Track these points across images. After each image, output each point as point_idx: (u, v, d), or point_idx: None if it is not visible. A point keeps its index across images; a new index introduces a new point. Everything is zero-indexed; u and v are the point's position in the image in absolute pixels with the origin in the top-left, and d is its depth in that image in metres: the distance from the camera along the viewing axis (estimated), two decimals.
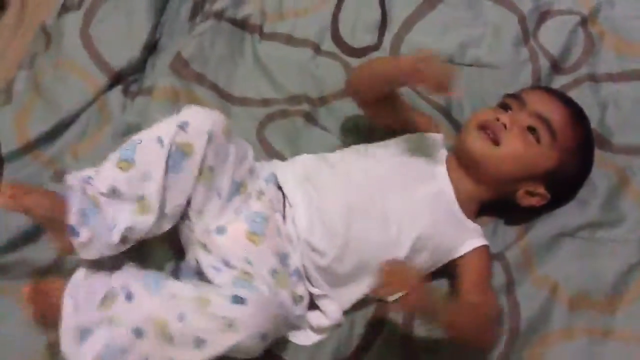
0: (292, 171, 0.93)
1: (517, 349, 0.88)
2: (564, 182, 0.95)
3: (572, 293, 0.92)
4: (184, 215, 0.86)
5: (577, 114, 0.96)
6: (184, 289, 0.79)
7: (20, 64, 1.09)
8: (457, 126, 1.05)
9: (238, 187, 0.88)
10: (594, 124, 1.02)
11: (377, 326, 0.90)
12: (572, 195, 0.98)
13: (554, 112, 0.92)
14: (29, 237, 0.92)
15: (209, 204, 0.86)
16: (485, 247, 0.91)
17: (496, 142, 0.90)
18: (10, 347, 0.86)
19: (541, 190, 0.93)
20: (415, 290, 0.74)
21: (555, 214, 0.97)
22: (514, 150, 0.90)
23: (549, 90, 1.01)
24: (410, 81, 0.87)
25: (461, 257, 0.90)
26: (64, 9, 1.11)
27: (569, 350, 0.88)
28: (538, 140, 0.90)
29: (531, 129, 0.91)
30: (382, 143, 0.97)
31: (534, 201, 0.93)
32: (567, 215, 0.97)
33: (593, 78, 1.09)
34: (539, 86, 1.06)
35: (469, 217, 0.93)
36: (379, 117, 0.98)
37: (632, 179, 1.00)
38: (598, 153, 1.01)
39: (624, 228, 0.97)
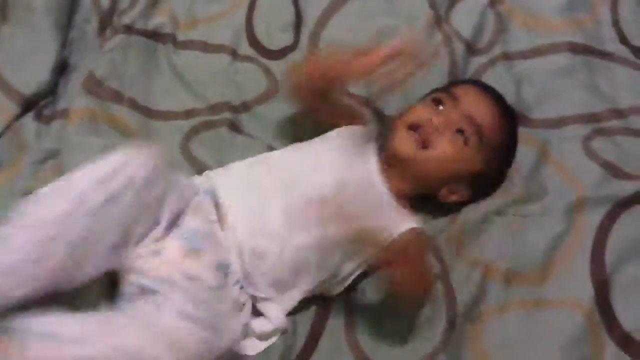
0: (228, 179, 0.92)
1: (457, 329, 0.91)
2: (487, 180, 0.98)
3: (505, 270, 0.94)
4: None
5: (506, 115, 0.98)
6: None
7: None
8: (381, 117, 1.06)
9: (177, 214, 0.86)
10: (511, 101, 1.05)
11: (321, 324, 0.91)
12: (495, 188, 1.00)
13: (485, 114, 0.93)
14: None
15: (148, 234, 0.83)
16: (415, 229, 0.92)
17: (425, 146, 0.91)
18: None
19: (462, 189, 0.95)
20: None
21: None
22: (442, 154, 0.91)
23: (480, 87, 1.01)
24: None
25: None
26: None
27: (506, 323, 0.91)
28: (465, 143, 0.92)
29: (460, 131, 0.92)
30: (314, 140, 0.97)
31: (454, 197, 0.96)
32: (494, 195, 1.00)
33: (507, 56, 1.12)
34: (471, 80, 1.07)
35: (402, 207, 0.94)
36: (314, 112, 0.98)
37: (551, 150, 1.04)
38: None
39: (548, 199, 1.00)
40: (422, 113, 0.93)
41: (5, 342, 0.72)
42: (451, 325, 0.91)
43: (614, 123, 1.06)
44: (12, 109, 1.00)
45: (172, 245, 0.84)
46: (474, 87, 1.00)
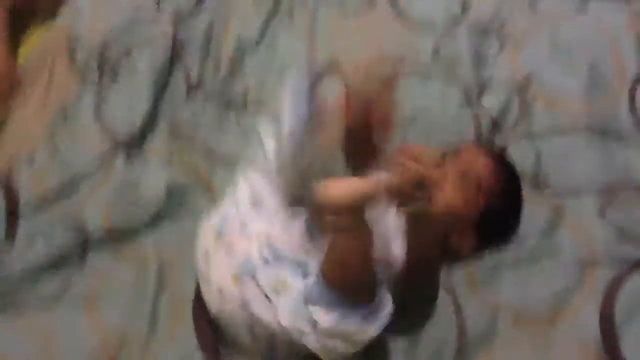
0: None
1: (467, 355, 0.98)
2: (494, 225, 1.04)
3: (514, 312, 1.02)
4: None
5: (502, 166, 1.07)
6: None
7: (43, 137, 1.29)
8: None
9: None
10: (530, 170, 1.17)
11: None
12: (505, 236, 1.08)
13: (481, 165, 1.03)
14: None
15: None
16: None
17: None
18: None
19: (471, 235, 1.02)
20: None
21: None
22: (445, 200, 0.99)
23: (480, 147, 1.16)
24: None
25: None
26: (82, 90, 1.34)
27: (514, 358, 0.97)
28: (466, 189, 1.01)
29: (461, 178, 1.01)
30: None
31: (465, 246, 1.02)
32: (507, 250, 1.08)
33: (529, 134, 1.25)
34: (475, 143, 1.22)
35: None
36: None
37: (566, 214, 1.13)
38: (533, 194, 1.14)
39: (562, 257, 1.08)
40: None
41: None
42: (461, 351, 0.98)
43: (628, 194, 1.15)
44: (107, 144, 1.25)
45: None
46: (474, 146, 1.15)
